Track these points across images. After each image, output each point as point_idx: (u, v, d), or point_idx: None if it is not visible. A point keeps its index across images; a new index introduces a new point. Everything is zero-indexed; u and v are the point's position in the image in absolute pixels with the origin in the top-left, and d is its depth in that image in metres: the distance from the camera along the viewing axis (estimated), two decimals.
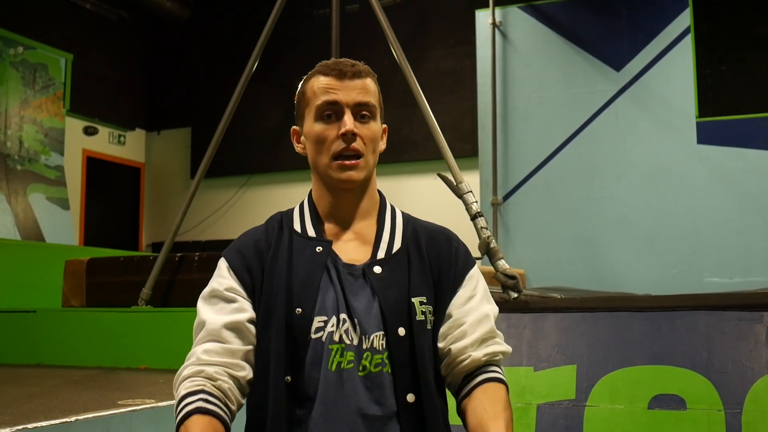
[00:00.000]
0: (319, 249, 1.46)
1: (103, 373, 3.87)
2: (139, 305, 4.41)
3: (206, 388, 1.35)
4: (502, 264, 3.33)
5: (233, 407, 1.39)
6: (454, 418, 1.48)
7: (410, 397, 1.38)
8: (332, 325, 1.39)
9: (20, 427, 2.08)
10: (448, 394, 1.51)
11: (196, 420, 1.31)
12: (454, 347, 1.44)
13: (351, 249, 1.48)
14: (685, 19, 5.93)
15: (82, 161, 9.54)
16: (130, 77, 10.32)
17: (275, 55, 6.79)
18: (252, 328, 1.43)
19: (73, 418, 2.24)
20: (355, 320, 1.39)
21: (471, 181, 3.75)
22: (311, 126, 1.49)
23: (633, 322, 2.79)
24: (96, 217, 9.69)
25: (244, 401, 1.43)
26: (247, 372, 1.41)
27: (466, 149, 7.63)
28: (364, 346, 1.39)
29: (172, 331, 4.00)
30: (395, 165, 8.55)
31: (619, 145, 6.04)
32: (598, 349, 2.77)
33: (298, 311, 1.39)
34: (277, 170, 9.41)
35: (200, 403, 1.33)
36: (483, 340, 1.45)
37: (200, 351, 1.40)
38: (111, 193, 10.28)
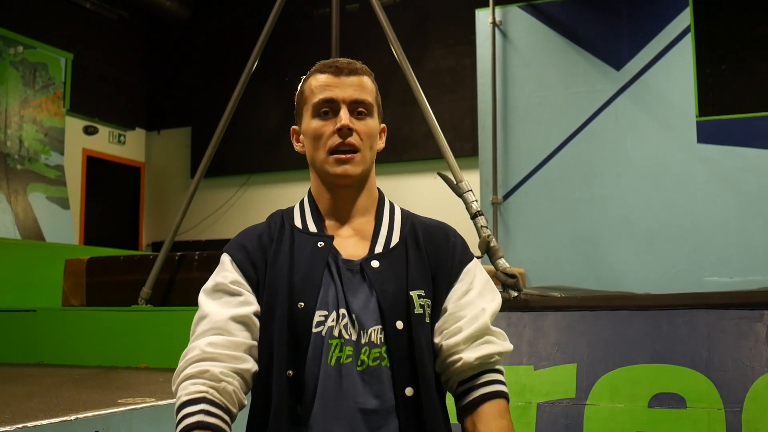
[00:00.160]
0: (320, 244, 1.46)
1: (103, 372, 3.87)
2: (139, 304, 4.41)
3: (208, 396, 1.33)
4: (502, 263, 3.33)
5: (235, 411, 1.38)
6: (452, 415, 1.48)
7: (409, 391, 1.38)
8: (332, 320, 1.40)
9: (20, 426, 2.08)
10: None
11: None
12: (446, 344, 1.44)
13: (350, 245, 1.49)
14: (685, 19, 5.93)
15: (82, 161, 9.54)
16: (130, 77, 10.32)
17: (275, 55, 6.79)
18: (257, 321, 1.43)
19: (72, 417, 2.24)
20: (353, 315, 1.40)
21: (471, 180, 3.75)
22: (309, 123, 1.51)
23: (633, 320, 2.79)
24: (96, 217, 9.69)
25: (246, 401, 1.42)
26: (252, 365, 1.40)
27: (466, 148, 7.63)
28: (363, 341, 1.39)
29: (172, 330, 4.00)
30: (395, 164, 8.55)
31: (619, 144, 6.03)
32: (598, 347, 2.77)
33: (300, 305, 1.40)
34: (277, 170, 9.41)
35: (201, 416, 1.31)
36: (475, 338, 1.43)
37: (204, 344, 1.38)
38: (111, 192, 10.28)
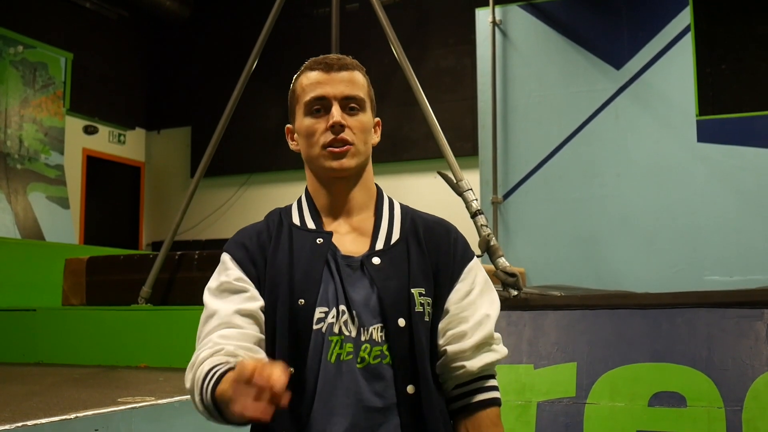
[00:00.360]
0: (319, 240, 1.46)
1: (102, 371, 3.87)
2: (139, 304, 4.41)
3: (231, 362, 1.31)
4: (502, 262, 3.33)
5: None
6: None
7: (410, 389, 1.39)
8: (332, 317, 1.39)
9: (20, 424, 2.08)
10: None
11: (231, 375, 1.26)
12: (451, 349, 1.44)
13: (349, 241, 1.48)
14: (685, 18, 5.93)
15: (82, 160, 9.54)
16: (130, 76, 10.32)
17: (275, 54, 6.78)
18: (263, 317, 1.43)
19: (72, 416, 2.23)
20: (354, 312, 1.40)
21: (471, 179, 3.75)
22: (301, 121, 1.50)
23: (633, 319, 2.79)
24: (96, 216, 9.69)
25: None
26: (263, 356, 1.40)
27: (466, 148, 7.63)
28: (363, 338, 1.39)
29: (172, 329, 4.00)
30: (395, 164, 8.55)
31: (619, 143, 6.03)
32: (599, 346, 2.77)
33: (301, 302, 1.39)
34: (277, 169, 9.41)
35: (230, 366, 1.28)
36: (479, 346, 1.45)
37: (216, 336, 1.38)
38: (111, 192, 10.28)
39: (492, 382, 1.47)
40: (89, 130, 9.66)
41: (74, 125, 9.38)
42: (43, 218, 8.54)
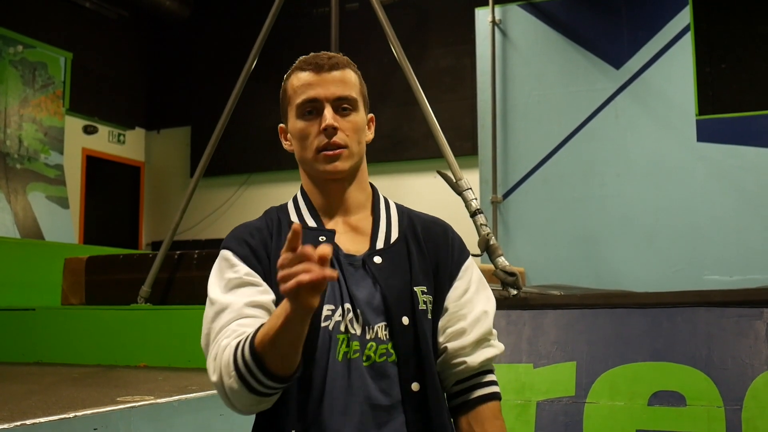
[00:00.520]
0: (322, 238, 1.45)
1: (102, 370, 3.86)
2: (139, 303, 4.40)
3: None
4: (502, 261, 3.33)
5: None
6: None
7: (415, 386, 1.39)
8: (339, 315, 1.39)
9: (18, 423, 2.08)
10: None
11: None
12: (451, 346, 1.45)
13: (347, 241, 1.48)
14: (684, 17, 5.93)
15: (81, 160, 9.54)
16: (130, 76, 10.32)
17: (275, 54, 6.76)
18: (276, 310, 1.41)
19: (71, 414, 2.23)
20: (358, 311, 1.39)
21: (471, 179, 3.75)
22: (294, 123, 1.49)
23: (632, 318, 2.79)
24: (95, 216, 9.69)
25: None
26: None
27: (466, 147, 7.62)
28: (368, 336, 1.39)
29: (172, 328, 3.99)
30: (395, 163, 8.55)
31: (619, 142, 6.03)
32: (598, 345, 2.77)
33: None
34: (277, 169, 9.41)
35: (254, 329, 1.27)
36: (479, 342, 1.46)
37: (234, 325, 1.34)
38: (111, 191, 10.28)
39: (491, 377, 1.49)
40: (89, 130, 9.66)
41: (74, 125, 9.37)
42: (43, 218, 8.53)
